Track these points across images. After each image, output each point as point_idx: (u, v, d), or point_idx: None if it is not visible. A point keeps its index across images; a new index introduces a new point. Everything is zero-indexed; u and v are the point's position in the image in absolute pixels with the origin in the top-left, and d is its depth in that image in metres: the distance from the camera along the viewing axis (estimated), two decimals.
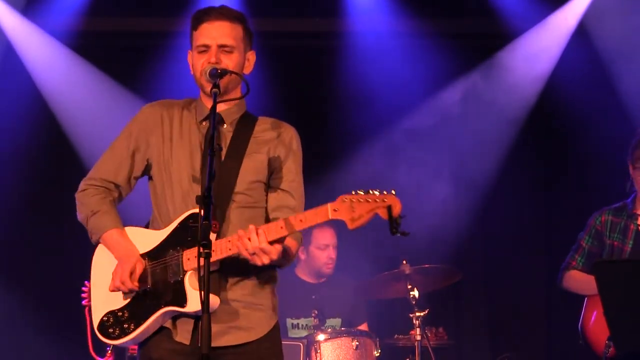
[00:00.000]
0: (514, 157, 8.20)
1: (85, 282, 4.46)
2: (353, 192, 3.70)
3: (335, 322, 6.97)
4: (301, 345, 6.36)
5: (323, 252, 6.99)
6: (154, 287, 3.99)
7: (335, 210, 3.71)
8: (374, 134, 8.20)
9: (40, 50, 7.91)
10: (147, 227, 4.19)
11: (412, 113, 8.20)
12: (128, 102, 8.01)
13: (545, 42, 8.06)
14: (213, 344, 3.63)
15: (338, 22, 8.09)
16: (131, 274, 3.97)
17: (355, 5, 8.01)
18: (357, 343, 6.36)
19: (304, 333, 6.81)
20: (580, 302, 5.99)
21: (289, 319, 6.89)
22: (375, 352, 6.48)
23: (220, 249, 3.83)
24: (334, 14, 8.03)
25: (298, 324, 6.92)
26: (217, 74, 3.96)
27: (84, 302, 5.10)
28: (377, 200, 3.66)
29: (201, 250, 3.56)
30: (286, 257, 3.95)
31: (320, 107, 8.25)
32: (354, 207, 3.68)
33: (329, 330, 6.53)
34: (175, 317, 3.99)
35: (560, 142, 8.32)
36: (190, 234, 3.92)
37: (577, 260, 6.03)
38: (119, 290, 4.01)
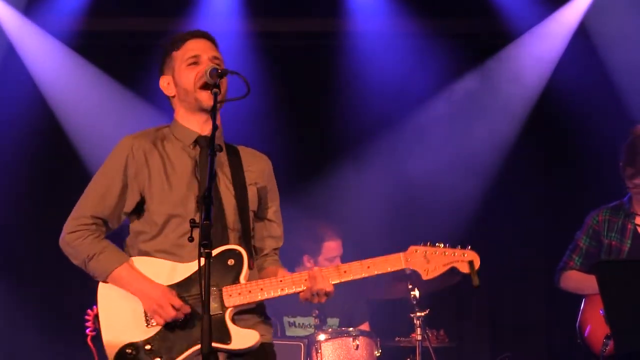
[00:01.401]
0: (514, 157, 8.20)
1: (88, 310, 4.42)
2: (421, 244, 4.01)
3: (333, 321, 6.97)
4: (302, 345, 6.37)
5: (331, 263, 7.00)
6: (186, 321, 3.94)
7: (408, 260, 4.00)
8: (375, 133, 8.20)
9: (41, 50, 7.91)
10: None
11: (412, 113, 8.20)
12: (129, 102, 8.01)
13: (546, 42, 8.06)
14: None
15: (338, 22, 8.09)
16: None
17: (356, 5, 8.01)
18: (358, 343, 6.36)
19: (300, 331, 6.82)
20: (579, 302, 5.99)
21: (285, 317, 6.89)
22: (376, 352, 6.48)
23: (271, 288, 3.96)
24: (334, 14, 8.03)
25: (294, 322, 6.92)
26: (218, 74, 3.96)
27: (87, 331, 5.03)
28: (456, 254, 4.03)
29: (201, 250, 3.56)
30: None
31: (320, 107, 8.25)
32: (428, 259, 3.99)
33: (330, 330, 6.53)
34: None
35: (561, 142, 8.32)
36: (226, 272, 3.94)
37: (574, 260, 6.02)
38: (158, 318, 3.93)
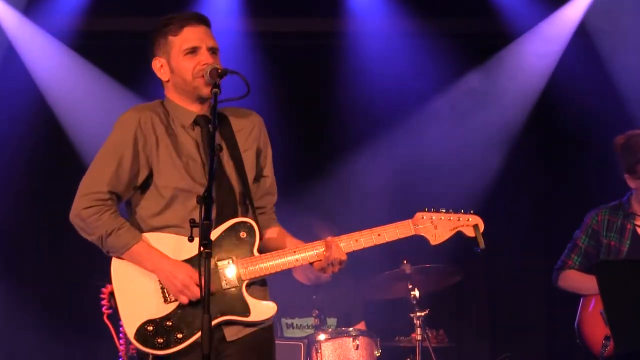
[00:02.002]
0: (514, 157, 8.20)
1: (102, 289, 4.40)
2: (425, 210, 4.04)
3: (332, 321, 6.97)
4: (302, 345, 6.37)
5: None
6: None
7: (416, 226, 4.03)
8: (376, 133, 8.19)
9: (40, 50, 7.91)
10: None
11: (412, 112, 8.20)
12: (128, 102, 7.99)
13: (546, 41, 8.06)
14: (237, 336, 3.94)
15: (339, 21, 8.09)
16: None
17: (356, 5, 8.01)
18: (358, 343, 6.36)
19: (298, 332, 6.82)
20: (579, 302, 5.99)
21: (283, 318, 6.89)
22: (376, 352, 6.48)
23: (285, 261, 3.98)
24: (334, 13, 8.02)
25: (292, 323, 6.92)
26: (218, 74, 3.96)
27: (103, 309, 4.99)
28: (461, 219, 4.09)
29: (202, 250, 3.55)
30: None
31: (320, 107, 8.25)
32: (435, 225, 4.04)
33: (330, 330, 6.53)
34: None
35: (561, 141, 8.32)
36: (239, 244, 3.97)
37: (573, 259, 6.02)
38: (184, 297, 3.93)
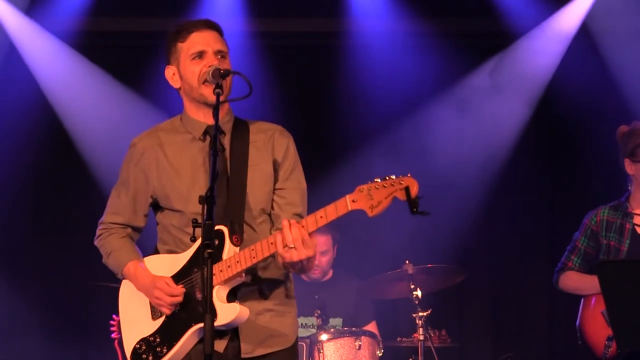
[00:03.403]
0: (517, 158, 8.20)
1: (114, 315, 4.48)
2: (369, 182, 3.78)
3: (337, 321, 6.97)
4: (304, 345, 6.37)
5: (318, 258, 6.97)
6: (183, 307, 3.99)
7: (354, 201, 3.78)
8: (377, 133, 8.19)
9: (43, 50, 7.91)
10: (154, 252, 4.21)
11: (414, 113, 8.20)
12: (131, 102, 8.02)
13: (548, 42, 8.06)
14: (252, 355, 3.95)
15: (340, 22, 8.09)
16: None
17: (358, 5, 8.01)
18: (360, 343, 6.36)
19: (303, 332, 6.81)
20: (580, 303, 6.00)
21: None
22: (378, 352, 6.48)
23: (244, 259, 3.87)
24: (336, 14, 8.02)
25: (299, 322, 6.92)
26: (220, 75, 3.96)
27: (113, 335, 5.13)
28: (394, 184, 3.73)
29: (206, 251, 3.55)
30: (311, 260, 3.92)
31: (323, 107, 8.25)
32: (372, 195, 3.75)
33: (332, 330, 6.53)
34: None
35: (563, 143, 8.32)
36: (215, 250, 3.85)
37: (573, 260, 6.01)
38: (164, 309, 3.99)
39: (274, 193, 4.13)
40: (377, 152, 8.15)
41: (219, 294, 3.89)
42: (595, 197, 6.50)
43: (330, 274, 7.19)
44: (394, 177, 3.75)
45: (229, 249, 3.90)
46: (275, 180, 4.13)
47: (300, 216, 4.08)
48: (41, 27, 7.86)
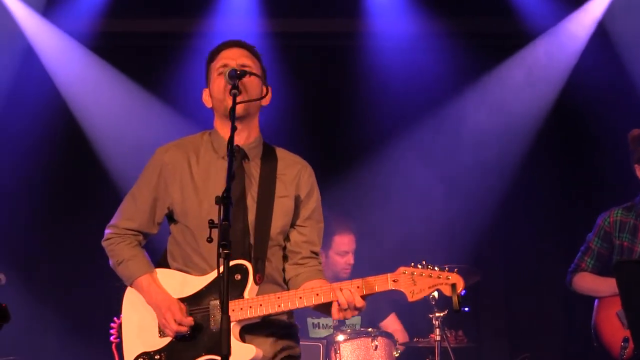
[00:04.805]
0: (533, 159, 8.18)
1: (115, 318, 4.49)
2: (412, 265, 3.94)
3: (355, 320, 6.97)
4: (320, 345, 6.37)
5: (342, 258, 7.00)
6: (195, 334, 4.01)
7: (394, 281, 3.92)
8: (394, 133, 8.19)
9: (59, 51, 7.94)
10: (162, 260, 4.23)
11: (431, 114, 8.19)
12: (146, 103, 8.04)
13: (565, 42, 8.03)
14: None
15: (357, 22, 8.08)
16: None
17: (375, 6, 8.00)
18: (377, 343, 6.36)
19: (324, 332, 6.81)
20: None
21: (309, 318, 6.89)
22: (395, 353, 6.48)
23: (270, 305, 3.94)
24: (353, 14, 8.02)
25: (319, 323, 6.92)
26: (236, 75, 3.97)
27: (112, 339, 5.15)
28: (441, 277, 3.90)
29: (221, 251, 3.55)
30: None
31: (340, 108, 8.25)
32: (415, 281, 3.91)
33: (349, 330, 6.53)
34: None
35: (579, 143, 8.29)
36: (232, 286, 3.91)
37: (586, 262, 6.01)
38: (168, 331, 4.02)
39: (292, 227, 4.19)
40: (395, 154, 8.15)
41: (234, 330, 3.94)
42: (612, 197, 6.49)
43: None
44: (437, 268, 3.91)
45: (251, 288, 3.97)
46: (296, 216, 4.18)
47: (316, 254, 4.21)
48: (58, 28, 7.89)
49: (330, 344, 6.35)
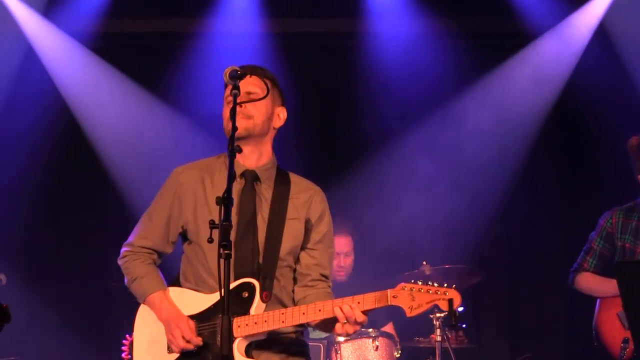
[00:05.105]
0: (534, 158, 8.18)
1: (127, 335, 4.52)
2: (412, 282, 4.04)
3: None
4: (321, 345, 6.37)
5: (334, 260, 6.98)
6: (202, 350, 4.05)
7: (394, 297, 4.02)
8: (395, 133, 8.19)
9: (60, 52, 7.94)
10: (175, 281, 4.27)
11: (432, 114, 8.19)
12: (146, 103, 8.04)
13: (566, 41, 8.03)
14: None
15: (358, 22, 8.08)
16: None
17: (375, 5, 8.00)
18: (377, 344, 6.36)
19: (320, 333, 6.81)
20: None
21: None
22: (396, 353, 6.48)
23: (273, 320, 3.97)
24: (354, 14, 8.02)
25: None
26: (236, 76, 3.96)
27: (123, 355, 5.20)
28: (439, 292, 4.00)
29: (221, 251, 3.55)
30: None
31: (340, 108, 8.25)
32: (414, 297, 4.02)
33: None
34: None
35: (580, 142, 8.29)
36: (239, 303, 3.99)
37: (588, 262, 6.01)
38: (174, 347, 4.06)
39: (302, 249, 4.23)
40: (396, 153, 8.15)
41: (239, 346, 3.98)
42: (612, 196, 6.49)
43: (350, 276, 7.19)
44: (436, 284, 4.01)
45: (257, 305, 4.01)
46: (307, 239, 4.23)
47: (326, 277, 4.27)
48: (58, 28, 7.89)
49: (330, 344, 6.35)
